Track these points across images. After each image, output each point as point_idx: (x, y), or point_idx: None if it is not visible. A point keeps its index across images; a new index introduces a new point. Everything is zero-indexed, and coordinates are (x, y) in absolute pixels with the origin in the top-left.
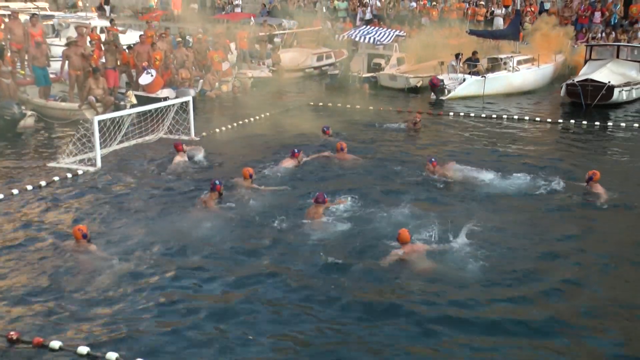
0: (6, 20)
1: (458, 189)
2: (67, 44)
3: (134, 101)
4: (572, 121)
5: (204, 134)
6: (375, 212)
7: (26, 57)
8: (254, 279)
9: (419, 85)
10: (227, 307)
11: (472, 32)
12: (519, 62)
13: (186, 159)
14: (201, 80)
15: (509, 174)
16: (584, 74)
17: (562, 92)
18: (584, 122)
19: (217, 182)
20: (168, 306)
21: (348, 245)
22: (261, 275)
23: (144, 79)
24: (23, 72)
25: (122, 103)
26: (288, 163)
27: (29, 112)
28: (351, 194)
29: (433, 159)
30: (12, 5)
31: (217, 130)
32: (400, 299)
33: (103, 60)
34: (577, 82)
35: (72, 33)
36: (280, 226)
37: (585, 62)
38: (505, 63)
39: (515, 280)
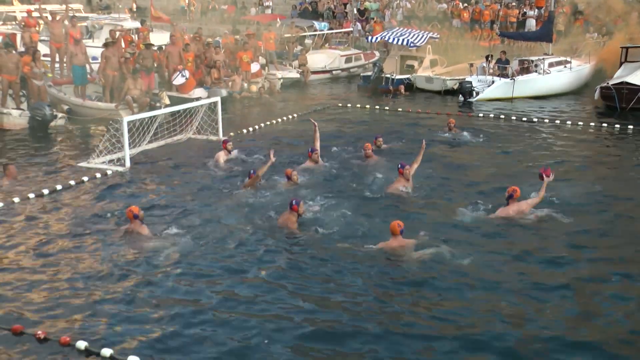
0: (41, 22)
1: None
2: (106, 45)
3: (167, 102)
4: (605, 124)
5: (231, 133)
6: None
7: (64, 59)
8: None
9: (455, 87)
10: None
11: (502, 34)
12: (551, 65)
13: (229, 155)
14: (231, 82)
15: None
16: (619, 76)
17: (596, 95)
18: (617, 126)
19: (252, 171)
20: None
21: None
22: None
23: (178, 80)
24: (48, 69)
25: (157, 104)
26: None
27: (60, 114)
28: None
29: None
30: (48, 7)
31: (245, 131)
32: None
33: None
34: (612, 85)
35: (106, 35)
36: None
37: (621, 64)
38: (536, 65)
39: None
